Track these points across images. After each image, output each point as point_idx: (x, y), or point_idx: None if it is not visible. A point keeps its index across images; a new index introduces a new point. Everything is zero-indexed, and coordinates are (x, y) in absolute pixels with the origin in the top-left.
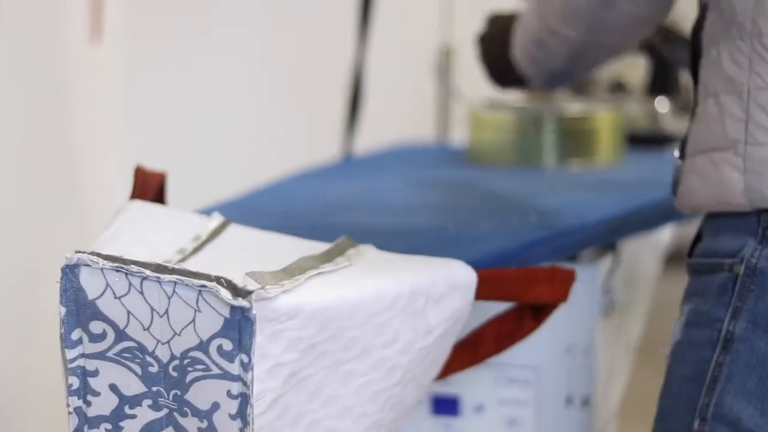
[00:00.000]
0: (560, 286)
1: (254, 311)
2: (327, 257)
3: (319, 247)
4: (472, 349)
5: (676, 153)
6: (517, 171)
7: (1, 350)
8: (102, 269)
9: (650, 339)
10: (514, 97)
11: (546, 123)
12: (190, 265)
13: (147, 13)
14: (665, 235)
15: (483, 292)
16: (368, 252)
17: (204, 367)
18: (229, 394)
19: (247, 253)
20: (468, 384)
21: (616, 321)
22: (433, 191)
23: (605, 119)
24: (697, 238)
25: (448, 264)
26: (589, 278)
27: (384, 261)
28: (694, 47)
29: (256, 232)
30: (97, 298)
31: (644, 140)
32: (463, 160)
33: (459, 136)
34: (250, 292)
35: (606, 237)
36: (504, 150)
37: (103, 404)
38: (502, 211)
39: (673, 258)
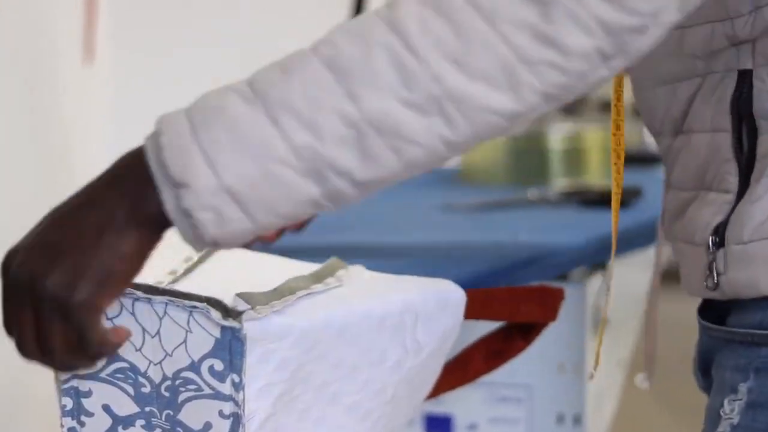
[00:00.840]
0: (550, 306)
1: (245, 331)
2: (317, 278)
3: (309, 267)
4: (461, 369)
5: (709, 241)
6: (507, 190)
7: (0, 350)
8: None
9: (641, 357)
10: None
11: (537, 143)
12: (182, 286)
13: (139, 31)
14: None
15: (472, 311)
16: (358, 272)
17: (196, 387)
18: (221, 414)
19: (238, 274)
20: (461, 403)
21: (606, 340)
22: (423, 211)
23: (594, 138)
24: (714, 305)
25: (438, 283)
26: (579, 297)
27: (373, 281)
28: (738, 120)
29: (246, 253)
30: None
31: (632, 159)
32: (454, 180)
33: None
34: (240, 313)
35: (596, 256)
36: (495, 170)
37: (96, 425)
38: (492, 231)
39: (663, 276)
